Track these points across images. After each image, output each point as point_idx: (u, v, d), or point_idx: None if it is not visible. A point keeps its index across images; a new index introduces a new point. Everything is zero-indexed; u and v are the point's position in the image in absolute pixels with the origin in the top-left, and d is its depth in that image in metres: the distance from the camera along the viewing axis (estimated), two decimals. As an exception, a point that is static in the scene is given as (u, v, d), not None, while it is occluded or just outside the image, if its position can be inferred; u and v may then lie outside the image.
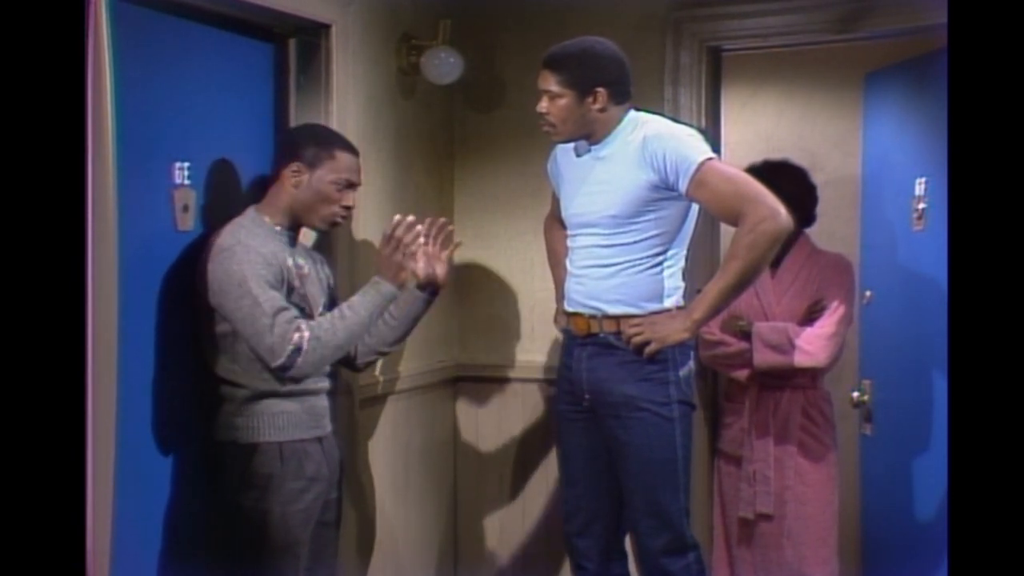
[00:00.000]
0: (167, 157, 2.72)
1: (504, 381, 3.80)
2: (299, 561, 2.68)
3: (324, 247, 3.03)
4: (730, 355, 3.44)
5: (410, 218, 2.78)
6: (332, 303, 2.87)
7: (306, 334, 2.59)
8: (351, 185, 2.78)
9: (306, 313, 2.70)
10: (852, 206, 4.11)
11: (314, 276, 2.81)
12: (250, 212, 2.74)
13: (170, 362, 2.72)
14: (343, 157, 2.76)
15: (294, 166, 2.71)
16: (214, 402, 2.69)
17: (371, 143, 3.32)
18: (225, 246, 2.62)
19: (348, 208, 2.79)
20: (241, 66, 3.02)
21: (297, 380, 2.65)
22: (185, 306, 2.72)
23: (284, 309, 2.60)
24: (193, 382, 2.74)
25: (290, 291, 2.67)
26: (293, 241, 2.77)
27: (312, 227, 2.81)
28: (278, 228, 2.73)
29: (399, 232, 2.76)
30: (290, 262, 2.70)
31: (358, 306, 2.70)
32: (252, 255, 2.60)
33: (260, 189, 2.83)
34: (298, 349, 2.57)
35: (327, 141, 2.78)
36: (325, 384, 2.80)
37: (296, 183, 2.72)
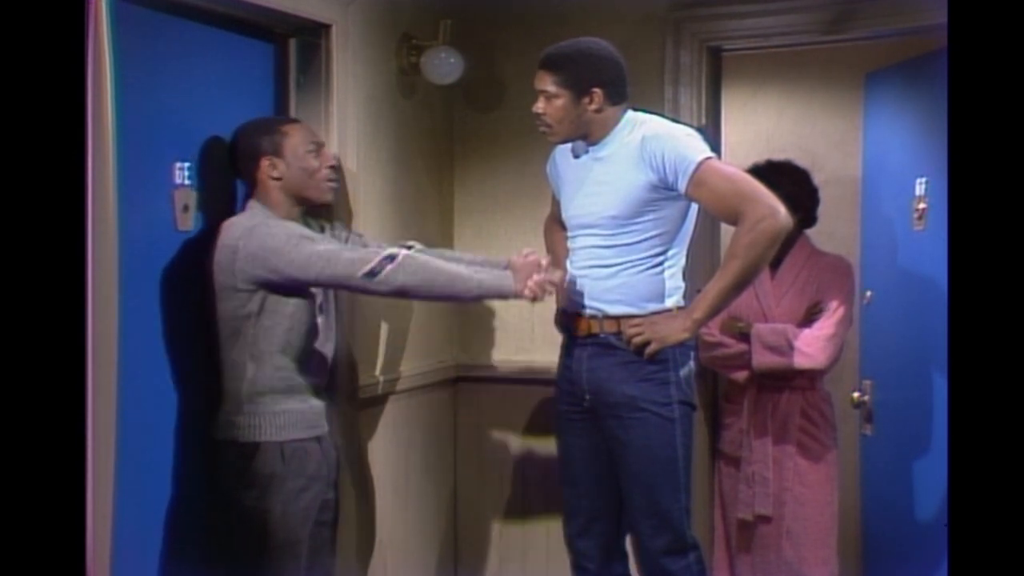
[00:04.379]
0: (167, 157, 2.72)
1: (504, 381, 3.79)
2: (300, 560, 2.69)
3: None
4: (729, 356, 3.44)
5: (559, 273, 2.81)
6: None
7: (403, 252, 2.63)
8: (320, 145, 2.82)
9: (316, 299, 2.72)
10: (852, 206, 4.11)
11: None
12: (252, 203, 2.76)
13: (170, 361, 2.72)
14: (293, 127, 2.79)
15: (265, 161, 2.73)
16: (215, 401, 2.69)
17: (371, 143, 3.33)
18: (253, 223, 2.66)
19: (333, 167, 2.83)
20: (241, 66, 3.03)
21: (379, 292, 2.64)
22: (185, 305, 2.72)
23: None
24: (194, 381, 2.74)
25: None
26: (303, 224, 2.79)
27: (317, 201, 2.83)
28: (279, 218, 2.74)
29: (551, 275, 2.75)
30: None
31: (475, 275, 2.68)
32: (286, 223, 2.67)
33: (248, 187, 2.84)
34: (392, 257, 2.60)
35: (270, 126, 2.80)
36: (322, 382, 2.81)
37: (279, 174, 2.74)
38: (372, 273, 2.59)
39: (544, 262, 2.77)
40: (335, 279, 2.64)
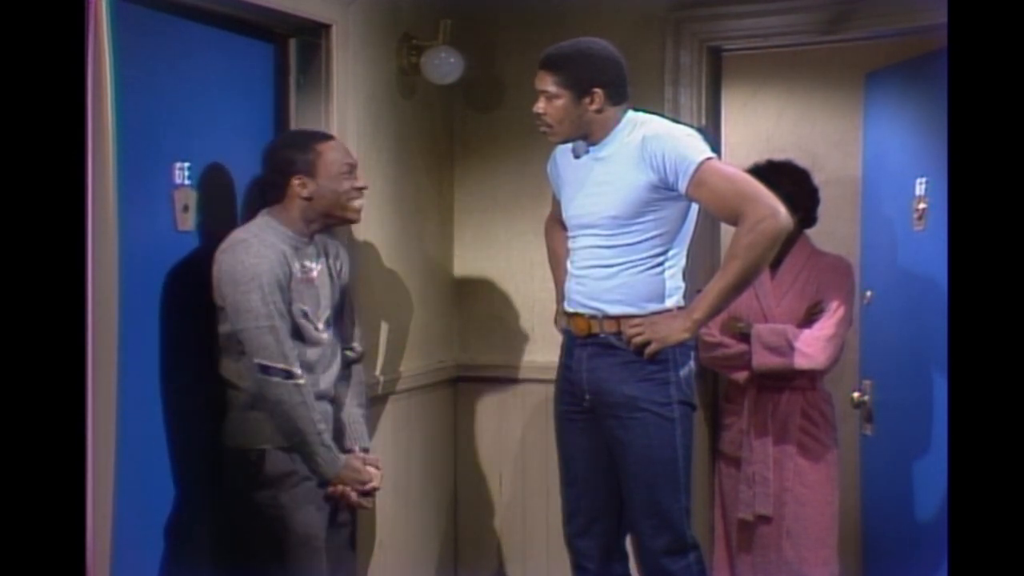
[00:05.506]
0: (167, 157, 2.72)
1: (504, 381, 3.79)
2: (322, 556, 2.68)
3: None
4: (729, 357, 3.44)
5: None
6: (343, 297, 2.88)
7: (301, 380, 2.59)
8: (353, 166, 2.79)
9: (309, 316, 2.71)
10: (852, 206, 4.11)
11: (324, 276, 2.80)
12: (262, 216, 2.74)
13: (170, 362, 2.72)
14: (328, 147, 2.76)
15: (296, 180, 2.70)
16: (220, 405, 2.69)
17: (371, 143, 3.33)
18: (240, 238, 2.64)
19: (362, 189, 2.79)
20: (241, 66, 3.03)
21: (255, 388, 2.60)
22: (186, 306, 2.72)
23: (283, 318, 2.60)
24: (196, 383, 2.74)
25: (292, 296, 2.66)
26: (303, 244, 2.74)
27: (343, 222, 2.83)
28: (289, 232, 2.72)
29: (360, 500, 2.78)
30: (296, 265, 2.69)
31: (324, 442, 2.65)
32: (268, 251, 2.62)
33: (262, 192, 2.83)
34: (289, 375, 2.57)
35: (304, 143, 2.77)
36: (330, 390, 2.80)
37: (309, 194, 2.71)
38: (265, 370, 2.57)
39: (371, 482, 2.78)
40: (244, 345, 2.60)
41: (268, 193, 2.78)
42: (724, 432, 3.56)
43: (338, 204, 2.74)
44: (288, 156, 2.73)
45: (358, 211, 2.80)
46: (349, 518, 2.88)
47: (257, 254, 2.60)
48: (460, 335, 3.85)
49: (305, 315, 2.70)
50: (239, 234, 2.66)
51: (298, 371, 2.60)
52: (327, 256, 2.84)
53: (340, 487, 2.71)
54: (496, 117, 3.77)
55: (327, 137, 2.84)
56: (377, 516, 3.40)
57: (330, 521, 2.74)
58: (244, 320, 2.58)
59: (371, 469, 2.80)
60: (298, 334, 2.67)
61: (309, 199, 2.71)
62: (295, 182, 2.70)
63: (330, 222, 2.80)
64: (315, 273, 2.76)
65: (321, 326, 2.75)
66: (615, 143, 2.84)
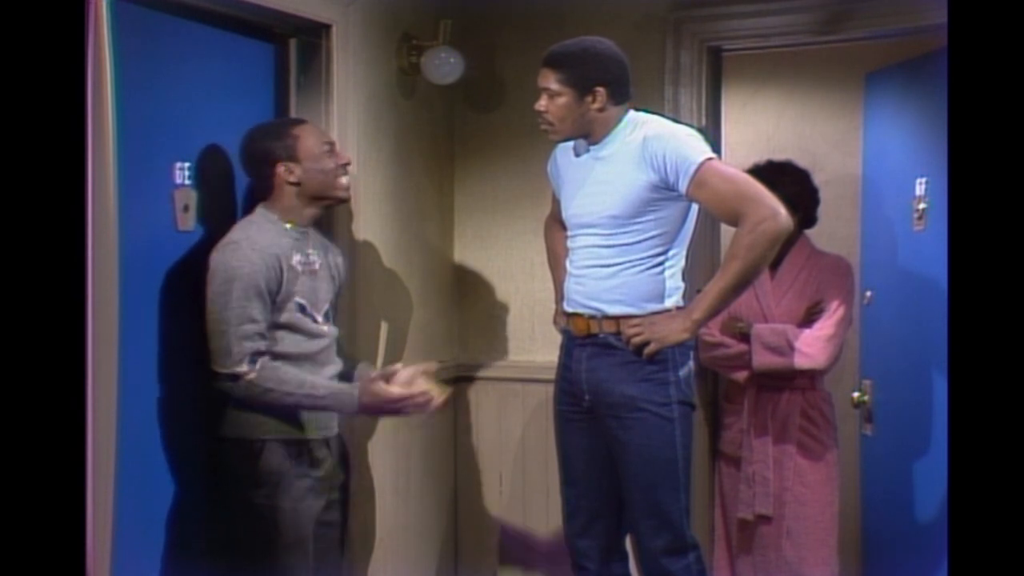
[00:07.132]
0: (167, 157, 2.72)
1: (504, 381, 3.79)
2: (308, 558, 2.69)
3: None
4: (729, 357, 3.44)
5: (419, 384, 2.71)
6: (339, 294, 2.90)
7: (267, 360, 2.59)
8: (333, 144, 2.82)
9: (307, 310, 2.72)
10: (852, 206, 4.11)
11: (325, 269, 2.81)
12: (259, 210, 2.75)
13: (171, 361, 2.73)
14: (303, 129, 2.77)
15: (281, 167, 2.71)
16: (221, 398, 2.69)
17: (371, 143, 3.33)
18: (233, 239, 2.65)
19: (346, 165, 2.81)
20: (241, 66, 3.03)
21: (235, 394, 2.61)
22: (186, 305, 2.72)
23: (253, 321, 2.59)
24: (197, 380, 2.74)
25: (289, 292, 2.67)
26: (304, 236, 2.76)
27: (336, 201, 2.84)
28: (288, 225, 2.73)
29: (412, 393, 2.69)
30: (297, 258, 2.70)
31: (325, 383, 2.66)
32: (255, 255, 2.61)
33: (251, 188, 2.84)
34: (254, 359, 2.58)
35: (280, 130, 2.78)
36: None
37: (296, 179, 2.72)
38: (235, 377, 2.58)
39: (413, 398, 2.69)
40: (210, 347, 2.60)
41: (257, 187, 2.79)
42: (724, 432, 3.56)
43: (326, 184, 2.76)
44: (267, 145, 2.74)
45: (347, 188, 2.82)
46: (339, 518, 2.87)
47: (242, 258, 2.60)
48: (460, 335, 3.86)
49: (303, 309, 2.70)
50: (233, 234, 2.67)
51: (242, 369, 2.58)
52: (326, 253, 2.85)
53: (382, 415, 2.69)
54: (496, 117, 3.77)
55: (300, 121, 2.86)
56: (377, 515, 3.40)
57: (319, 521, 2.74)
58: (208, 322, 2.60)
59: (393, 389, 2.67)
60: (295, 328, 2.68)
61: (297, 184, 2.72)
62: (280, 169, 2.72)
63: (323, 204, 2.80)
64: (318, 265, 2.77)
65: (320, 319, 2.76)
66: (616, 142, 2.85)
